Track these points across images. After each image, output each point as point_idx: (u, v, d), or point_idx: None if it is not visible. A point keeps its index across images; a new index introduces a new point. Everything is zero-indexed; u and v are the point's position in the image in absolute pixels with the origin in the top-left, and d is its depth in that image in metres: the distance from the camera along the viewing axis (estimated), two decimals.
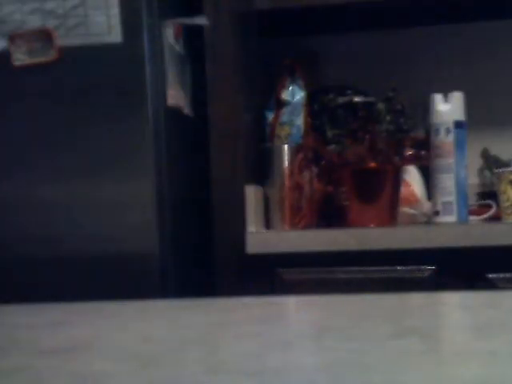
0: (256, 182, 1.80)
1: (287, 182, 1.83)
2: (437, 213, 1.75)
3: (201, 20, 1.70)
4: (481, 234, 1.60)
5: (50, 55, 1.57)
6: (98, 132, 1.56)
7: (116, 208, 1.55)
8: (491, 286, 1.59)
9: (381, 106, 1.79)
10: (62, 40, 1.57)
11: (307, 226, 1.85)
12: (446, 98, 1.76)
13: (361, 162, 1.75)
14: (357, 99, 1.91)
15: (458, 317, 0.45)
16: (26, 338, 0.40)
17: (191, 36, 1.76)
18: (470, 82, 2.08)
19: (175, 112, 1.67)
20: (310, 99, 1.95)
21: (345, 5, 1.88)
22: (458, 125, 1.75)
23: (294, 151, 1.84)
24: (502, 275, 1.58)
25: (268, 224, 1.84)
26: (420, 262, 1.62)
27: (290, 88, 1.97)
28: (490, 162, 2.04)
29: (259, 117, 1.95)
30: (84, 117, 1.56)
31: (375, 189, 1.76)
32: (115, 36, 1.55)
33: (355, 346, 0.34)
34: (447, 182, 1.74)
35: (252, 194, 1.75)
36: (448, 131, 1.75)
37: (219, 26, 1.72)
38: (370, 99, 1.90)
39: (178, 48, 1.70)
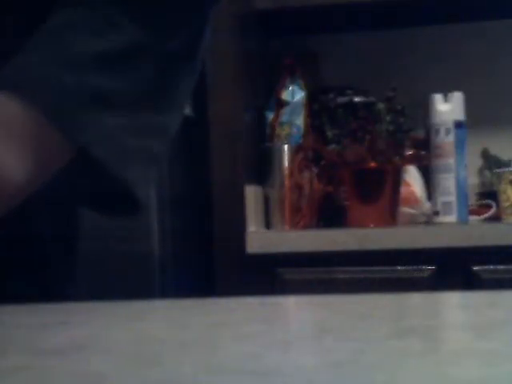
0: (256, 182, 1.80)
1: (287, 182, 1.83)
2: (437, 213, 1.75)
3: None
4: (481, 234, 1.60)
5: None
6: None
7: None
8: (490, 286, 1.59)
9: (381, 105, 1.79)
10: None
11: (307, 226, 1.85)
12: (445, 98, 1.76)
13: (361, 161, 1.75)
14: (357, 99, 1.91)
15: (457, 317, 0.45)
16: (26, 338, 0.40)
17: None
18: (470, 82, 2.08)
19: None
20: (310, 99, 1.95)
21: (345, 5, 1.88)
22: (458, 125, 1.75)
23: (294, 151, 1.84)
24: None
25: (268, 224, 1.84)
26: (420, 262, 1.62)
27: (290, 88, 1.97)
28: (490, 162, 2.04)
29: (259, 117, 1.95)
30: None
31: (375, 189, 1.76)
32: None
33: (355, 346, 0.34)
34: (447, 182, 1.74)
35: (252, 194, 1.75)
36: (448, 131, 1.75)
37: (219, 26, 1.71)
38: (370, 99, 1.90)
39: None
